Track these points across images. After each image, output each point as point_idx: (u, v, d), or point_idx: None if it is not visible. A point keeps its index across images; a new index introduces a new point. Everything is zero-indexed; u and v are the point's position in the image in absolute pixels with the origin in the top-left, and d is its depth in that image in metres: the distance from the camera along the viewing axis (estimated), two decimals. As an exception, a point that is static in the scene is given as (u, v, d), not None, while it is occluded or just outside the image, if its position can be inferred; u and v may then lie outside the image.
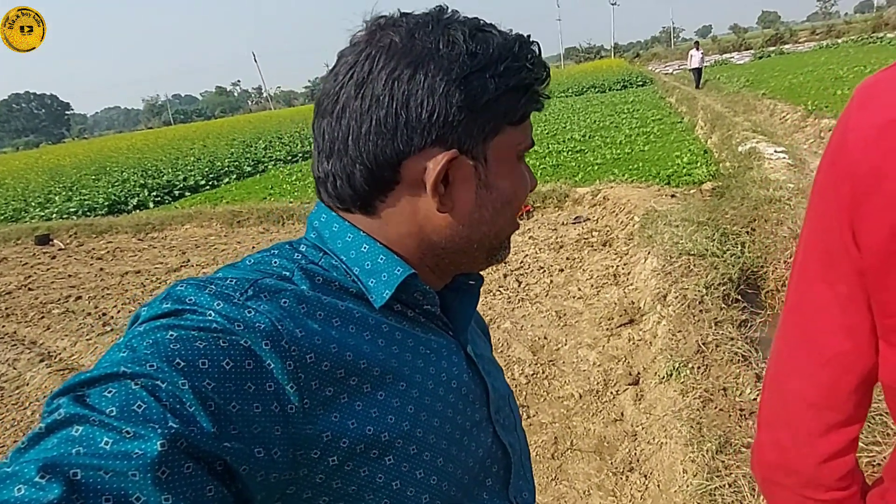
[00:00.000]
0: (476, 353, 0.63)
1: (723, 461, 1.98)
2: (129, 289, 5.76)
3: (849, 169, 0.45)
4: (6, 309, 5.67)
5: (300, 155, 16.83)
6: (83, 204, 11.56)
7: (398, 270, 0.53)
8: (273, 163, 15.78)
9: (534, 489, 0.70)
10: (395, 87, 0.49)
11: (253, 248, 6.66)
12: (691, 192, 6.21)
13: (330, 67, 0.55)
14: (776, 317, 3.44)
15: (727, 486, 1.88)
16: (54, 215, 11.12)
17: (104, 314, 5.10)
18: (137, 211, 10.82)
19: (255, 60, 55.32)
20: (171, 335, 0.40)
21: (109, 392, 0.37)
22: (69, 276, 6.60)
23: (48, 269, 7.13)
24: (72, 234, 8.77)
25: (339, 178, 0.53)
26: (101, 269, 6.68)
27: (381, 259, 0.54)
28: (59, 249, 8.26)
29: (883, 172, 0.42)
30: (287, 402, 0.43)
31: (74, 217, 10.61)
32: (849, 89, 10.09)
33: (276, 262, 0.52)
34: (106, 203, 11.53)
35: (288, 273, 0.51)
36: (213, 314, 0.43)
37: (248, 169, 14.99)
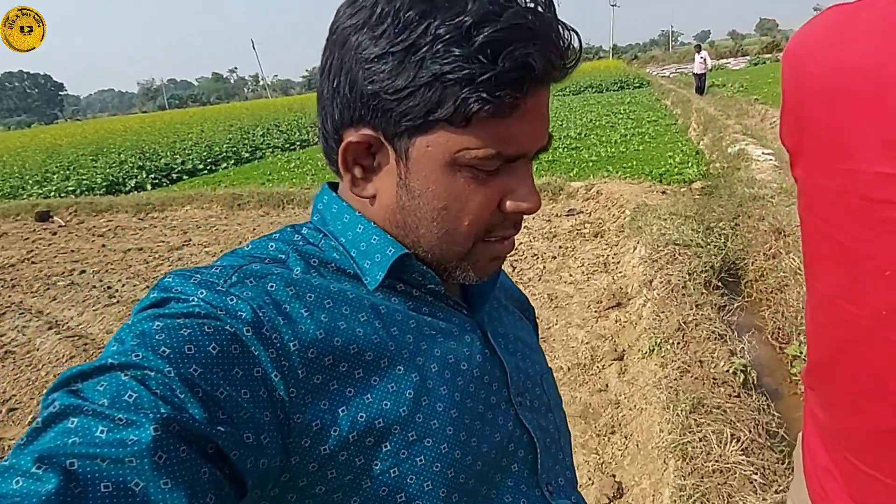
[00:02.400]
0: (499, 332, 0.61)
1: (695, 419, 2.20)
2: (133, 264, 5.90)
3: None
4: (10, 280, 5.79)
5: (297, 143, 16.94)
6: (81, 183, 11.64)
7: (390, 251, 0.51)
8: (271, 150, 15.90)
9: (574, 475, 0.65)
10: (335, 56, 0.48)
11: (254, 230, 6.82)
12: (682, 189, 6.43)
13: None
14: (753, 303, 3.67)
15: (698, 439, 2.09)
16: (52, 193, 11.19)
17: (109, 287, 5.24)
18: (136, 192, 10.92)
19: (254, 48, 55.19)
20: (157, 325, 0.41)
21: (101, 385, 0.37)
22: (71, 251, 6.73)
23: (50, 245, 7.24)
24: (72, 212, 8.87)
25: (321, 137, 0.54)
26: (104, 245, 6.81)
27: (375, 240, 0.52)
28: (60, 226, 8.37)
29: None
30: (274, 389, 0.43)
31: (73, 196, 10.69)
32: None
33: (272, 246, 0.52)
34: (104, 183, 11.62)
35: (283, 256, 0.51)
36: (195, 300, 0.43)
37: (247, 155, 15.10)
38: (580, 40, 0.48)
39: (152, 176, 12.39)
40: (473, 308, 0.59)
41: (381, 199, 0.52)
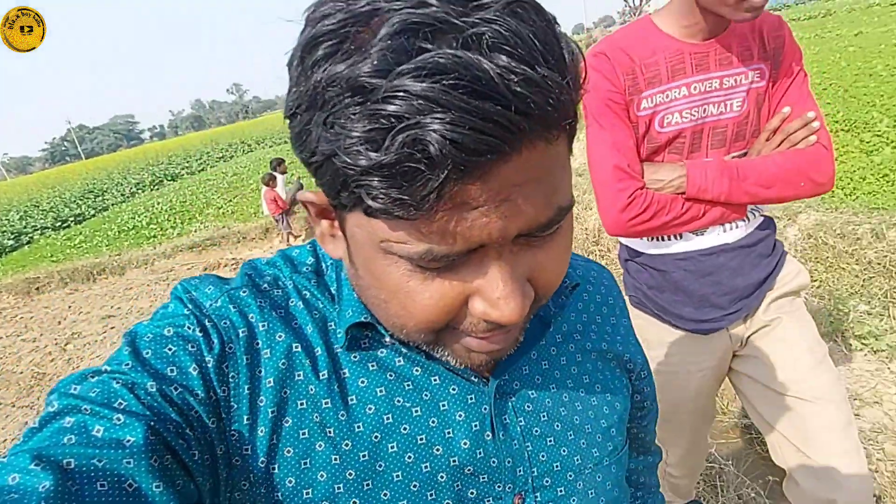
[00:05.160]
0: (523, 409, 0.50)
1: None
2: (-73, 377, 5.04)
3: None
4: None
5: (71, 219, 15.11)
6: None
7: (349, 313, 0.45)
8: (39, 231, 13.97)
9: None
10: None
11: (70, 307, 6.24)
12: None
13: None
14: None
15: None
16: None
17: None
18: None
19: (-27, 124, 46.29)
20: (147, 339, 0.42)
21: (95, 390, 0.38)
22: None
23: None
24: None
25: None
26: None
27: (345, 292, 0.47)
28: None
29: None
30: (229, 423, 0.42)
31: None
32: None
33: (280, 265, 0.50)
34: None
35: (285, 282, 0.48)
36: (186, 313, 0.44)
37: (11, 242, 13.09)
38: (561, 74, 0.31)
39: None
40: (498, 371, 0.49)
41: (344, 263, 0.44)
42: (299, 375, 0.44)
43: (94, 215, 15.42)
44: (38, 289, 6.99)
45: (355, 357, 0.46)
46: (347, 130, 0.30)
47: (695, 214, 1.13)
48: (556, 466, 0.51)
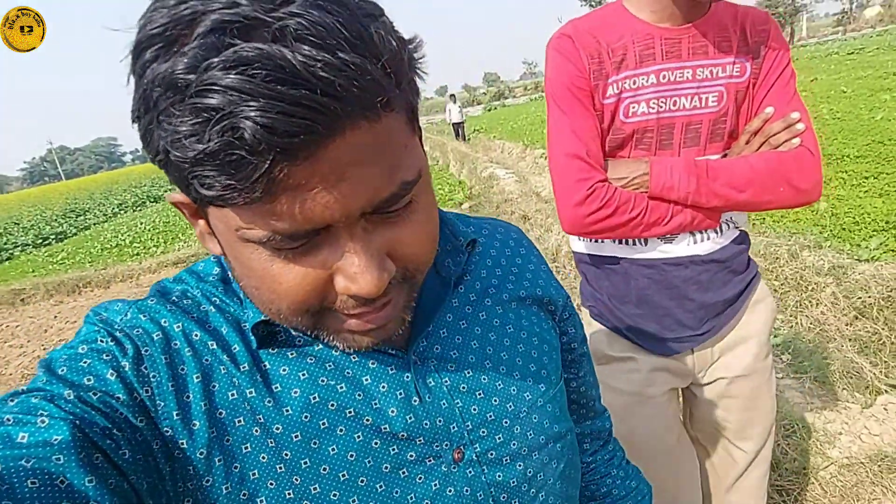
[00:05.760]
0: (446, 368, 0.52)
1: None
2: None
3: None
4: None
5: (52, 237, 15.21)
6: None
7: (250, 314, 0.47)
8: (20, 248, 14.04)
9: None
10: None
11: (56, 317, 6.41)
12: (455, 210, 8.01)
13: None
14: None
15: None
16: None
17: None
18: None
19: (-47, 141, 45.84)
20: (63, 356, 0.42)
21: (14, 410, 0.38)
22: None
23: None
24: None
25: None
26: None
27: (242, 295, 0.49)
28: None
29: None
30: (159, 421, 0.42)
31: None
32: (548, 128, 13.35)
33: (186, 278, 0.50)
34: None
35: (190, 293, 0.49)
36: (97, 328, 0.45)
37: (-11, 258, 13.13)
38: (371, 57, 0.33)
39: None
40: (414, 335, 0.51)
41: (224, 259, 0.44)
42: (223, 369, 0.45)
43: (76, 234, 15.55)
44: (23, 300, 7.13)
45: (273, 350, 0.48)
46: (174, 126, 0.32)
47: (661, 216, 1.02)
48: (490, 416, 0.53)
